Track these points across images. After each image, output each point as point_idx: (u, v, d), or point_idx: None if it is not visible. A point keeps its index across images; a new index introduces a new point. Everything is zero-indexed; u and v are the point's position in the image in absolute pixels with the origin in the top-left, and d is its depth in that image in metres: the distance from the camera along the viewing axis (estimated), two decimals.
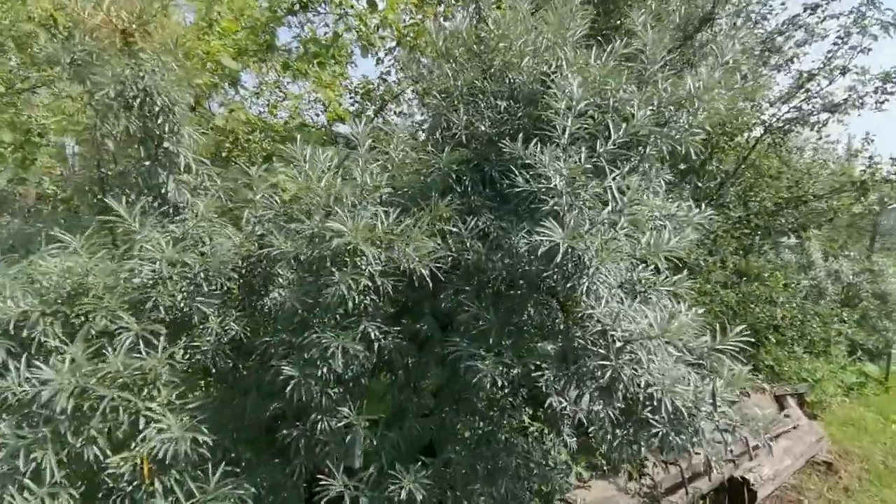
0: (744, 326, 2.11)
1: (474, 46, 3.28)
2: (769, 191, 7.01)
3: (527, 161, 2.22)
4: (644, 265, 2.35)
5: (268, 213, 2.64)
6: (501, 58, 3.18)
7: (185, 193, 2.78)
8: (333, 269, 2.16)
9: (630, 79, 2.52)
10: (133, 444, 2.21)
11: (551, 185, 1.93)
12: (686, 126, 2.53)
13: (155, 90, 2.67)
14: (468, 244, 2.62)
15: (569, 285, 1.96)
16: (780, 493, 6.10)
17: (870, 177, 7.00)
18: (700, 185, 6.67)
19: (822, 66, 6.62)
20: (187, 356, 2.53)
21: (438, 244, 2.56)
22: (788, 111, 6.95)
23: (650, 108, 2.28)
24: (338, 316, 2.38)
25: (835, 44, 6.48)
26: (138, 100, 2.75)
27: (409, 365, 2.78)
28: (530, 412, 3.83)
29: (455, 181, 2.87)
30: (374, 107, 5.71)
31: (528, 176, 2.11)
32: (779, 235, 7.78)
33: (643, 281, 2.44)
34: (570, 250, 1.80)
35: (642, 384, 1.85)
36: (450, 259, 2.60)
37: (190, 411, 2.28)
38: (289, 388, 2.10)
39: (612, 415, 2.06)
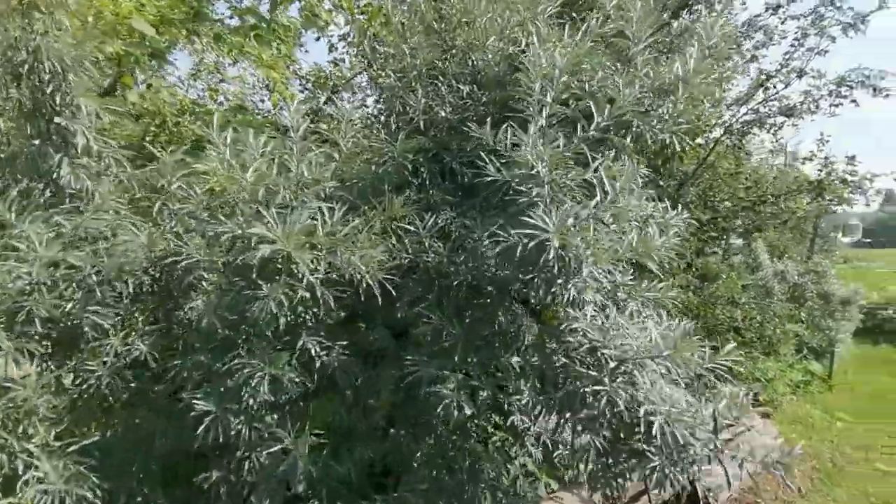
0: (733, 345, 1.89)
1: (434, 23, 2.93)
2: (728, 191, 7.02)
3: (496, 148, 1.90)
4: (623, 268, 2.07)
5: (186, 206, 2.20)
6: (464, 37, 2.85)
7: (83, 179, 2.29)
8: (261, 282, 1.76)
9: (610, 60, 2.24)
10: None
11: (532, 173, 1.61)
12: (668, 115, 2.28)
13: (45, 53, 2.18)
14: (427, 244, 2.28)
15: (553, 290, 1.64)
16: (738, 495, 6.07)
17: (826, 177, 7.11)
18: (661, 184, 6.59)
19: (779, 67, 6.66)
20: (79, 381, 2.07)
21: (393, 245, 2.20)
22: (746, 113, 7.00)
23: (633, 92, 2.00)
24: (269, 333, 1.98)
25: (791, 46, 6.53)
26: (26, 66, 2.26)
27: (359, 383, 2.40)
28: (493, 420, 3.54)
29: (411, 173, 2.51)
30: (325, 94, 5.26)
31: (498, 164, 1.78)
32: (739, 237, 7.84)
33: (623, 287, 2.16)
34: (560, 249, 1.48)
35: (642, 413, 1.56)
36: (406, 261, 2.25)
37: (76, 454, 1.83)
38: (202, 427, 1.67)
39: (599, 445, 1.76)
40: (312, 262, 1.98)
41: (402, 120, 2.67)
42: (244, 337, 2.04)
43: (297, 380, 2.14)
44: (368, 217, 2.01)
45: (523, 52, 2.38)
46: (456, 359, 1.94)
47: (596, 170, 1.80)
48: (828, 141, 7.28)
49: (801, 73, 6.58)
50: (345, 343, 2.33)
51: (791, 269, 10.60)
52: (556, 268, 1.55)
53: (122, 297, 2.17)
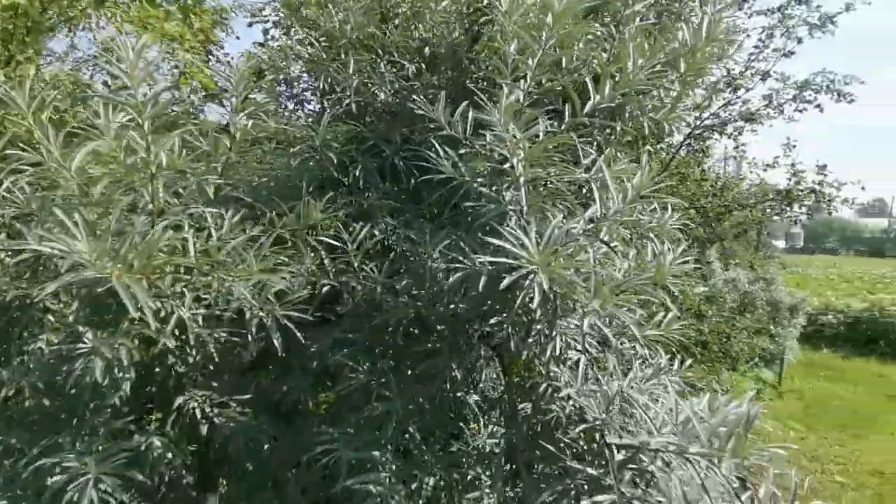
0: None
1: None
2: (690, 199, 6.75)
3: (452, 135, 1.34)
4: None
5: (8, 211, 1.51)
6: (410, 5, 2.31)
7: None
8: (82, 328, 1.12)
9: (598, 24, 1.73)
10: None
11: (504, 168, 1.07)
12: (667, 96, 1.81)
13: None
14: (356, 265, 1.69)
15: (530, 340, 1.11)
16: None
17: (794, 186, 6.94)
18: None
19: (743, 69, 6.43)
20: None
21: (309, 268, 1.60)
22: (708, 117, 6.73)
23: (645, 65, 1.49)
24: (119, 399, 1.34)
25: (756, 47, 6.31)
26: None
27: (265, 454, 1.78)
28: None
29: (339, 169, 1.92)
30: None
31: (455, 157, 1.22)
32: (698, 246, 7.64)
33: (615, 323, 1.64)
34: (548, 287, 0.93)
35: None
36: (326, 289, 1.66)
37: None
38: None
39: None
40: (185, 290, 1.37)
41: (329, 99, 2.08)
42: (83, 403, 1.39)
43: (168, 458, 1.53)
44: (267, 229, 1.41)
45: (485, 13, 1.85)
46: (390, 431, 1.36)
47: (589, 168, 1.28)
48: (794, 145, 7.14)
49: (765, 76, 6.38)
50: (247, 397, 1.72)
51: (742, 277, 10.62)
52: (538, 311, 1.02)
53: None
